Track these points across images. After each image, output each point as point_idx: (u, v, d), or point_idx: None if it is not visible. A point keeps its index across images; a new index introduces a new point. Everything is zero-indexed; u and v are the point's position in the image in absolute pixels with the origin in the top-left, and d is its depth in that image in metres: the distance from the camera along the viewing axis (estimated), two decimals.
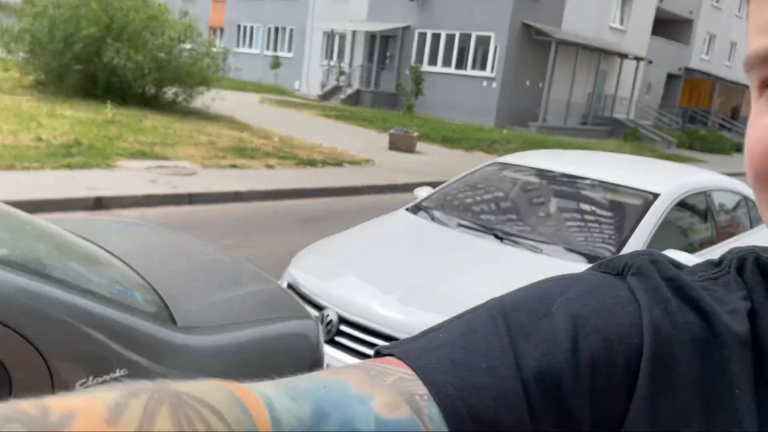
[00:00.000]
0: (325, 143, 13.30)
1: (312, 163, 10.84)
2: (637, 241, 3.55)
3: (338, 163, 11.23)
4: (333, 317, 3.09)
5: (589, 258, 3.48)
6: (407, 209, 4.36)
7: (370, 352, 2.94)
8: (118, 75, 13.81)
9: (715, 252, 4.10)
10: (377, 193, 9.74)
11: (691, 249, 3.94)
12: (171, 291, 1.68)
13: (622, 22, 29.50)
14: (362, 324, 3.02)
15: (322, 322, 3.12)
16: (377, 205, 9.03)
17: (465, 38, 24.91)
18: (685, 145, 27.54)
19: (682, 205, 4.02)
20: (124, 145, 9.58)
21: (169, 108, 15.03)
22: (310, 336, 1.86)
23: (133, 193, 7.14)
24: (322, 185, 9.19)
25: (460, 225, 3.94)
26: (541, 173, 4.41)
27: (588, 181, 4.15)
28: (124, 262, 1.79)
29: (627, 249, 3.50)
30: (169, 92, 15.33)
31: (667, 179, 4.17)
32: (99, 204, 6.78)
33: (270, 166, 10.03)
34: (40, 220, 1.86)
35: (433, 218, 4.10)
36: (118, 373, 1.30)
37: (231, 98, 19.89)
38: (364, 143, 14.61)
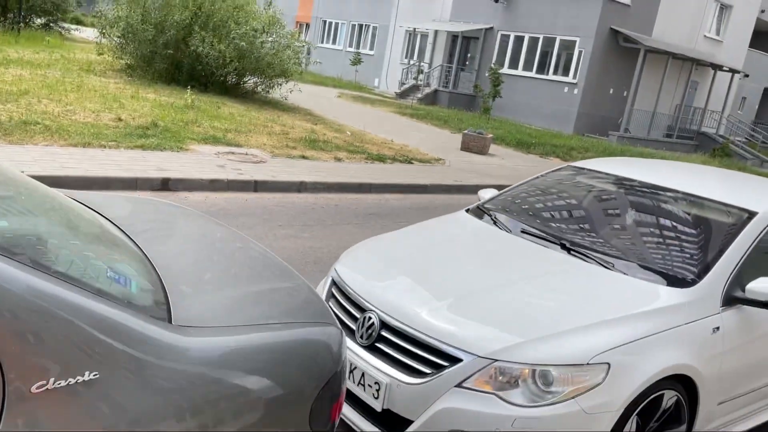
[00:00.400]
0: (397, 140, 13.12)
1: (381, 158, 10.67)
2: (727, 266, 3.15)
3: (407, 161, 11.02)
4: (375, 321, 2.87)
5: (668, 279, 3.12)
6: (468, 210, 4.09)
7: (412, 362, 2.70)
8: (201, 63, 14.10)
9: None
10: (444, 192, 9.46)
11: None
12: (178, 282, 1.50)
13: (718, 32, 27.87)
14: (404, 331, 2.78)
15: (362, 325, 2.91)
16: (443, 204, 8.78)
17: (549, 42, 24.15)
18: None
19: None
20: (198, 130, 9.71)
21: (248, 97, 15.24)
22: (331, 345, 1.65)
23: (200, 176, 7.17)
24: (388, 181, 9.00)
25: (524, 231, 3.64)
26: (620, 181, 4.03)
27: (672, 194, 3.75)
28: (135, 244, 1.63)
29: (714, 273, 3.11)
30: (249, 82, 15.55)
31: (765, 197, 3.71)
32: (166, 185, 6.83)
33: (339, 159, 9.93)
34: (57, 191, 1.73)
35: (495, 222, 3.81)
36: (87, 377, 1.13)
37: (310, 92, 20.04)
38: (436, 142, 14.34)
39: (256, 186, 7.50)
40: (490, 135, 14.53)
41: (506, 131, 18.31)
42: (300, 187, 7.86)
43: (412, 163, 10.98)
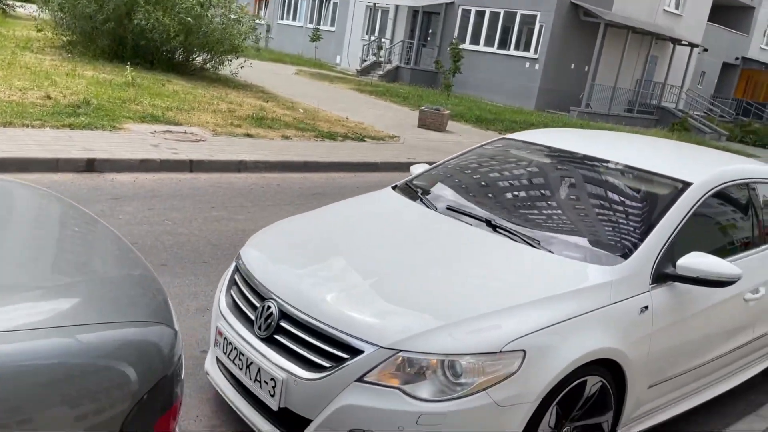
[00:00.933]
0: (352, 118, 12.78)
1: (332, 136, 10.33)
2: (657, 241, 2.94)
3: (360, 138, 10.70)
4: (274, 310, 2.60)
5: (595, 257, 2.90)
6: (394, 188, 3.82)
7: (311, 356, 2.43)
8: (146, 38, 13.48)
9: (755, 257, 3.45)
10: (396, 170, 9.18)
11: (725, 252, 3.31)
12: None
13: (677, 6, 27.94)
14: (303, 321, 2.51)
15: (261, 315, 2.63)
16: (393, 182, 8.49)
17: (510, 16, 23.89)
18: (737, 138, 26.09)
19: (720, 197, 3.38)
20: (136, 108, 9.23)
21: (197, 74, 14.69)
22: (161, 347, 1.36)
23: (129, 156, 6.76)
24: (337, 159, 8.69)
25: (450, 209, 3.39)
26: (553, 153, 3.80)
27: (605, 166, 3.54)
28: None
29: (643, 249, 2.90)
30: (198, 58, 14.98)
31: (703, 167, 3.52)
32: (91, 166, 6.42)
33: (286, 137, 9.57)
34: None
35: (420, 199, 3.55)
36: None
37: (266, 69, 19.49)
38: (393, 119, 14.03)
39: (192, 166, 7.12)
40: (448, 111, 14.26)
41: (466, 108, 18.08)
42: (240, 166, 7.50)
43: (364, 140, 10.67)
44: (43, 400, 1.14)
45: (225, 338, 2.74)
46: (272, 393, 2.47)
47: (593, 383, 2.62)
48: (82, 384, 1.21)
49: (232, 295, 2.91)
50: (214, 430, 2.83)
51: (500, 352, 2.34)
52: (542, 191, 3.56)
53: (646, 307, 2.77)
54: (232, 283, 2.99)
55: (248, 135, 9.14)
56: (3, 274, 1.36)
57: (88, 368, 1.22)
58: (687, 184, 3.21)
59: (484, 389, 2.29)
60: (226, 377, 2.82)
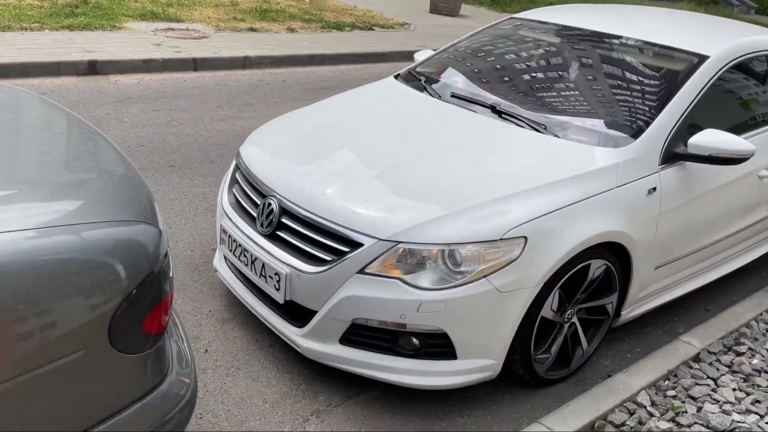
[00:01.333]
0: (360, 5, 12.23)
1: (339, 26, 9.95)
2: (669, 119, 2.83)
3: (368, 27, 10.30)
4: (275, 207, 2.58)
5: (604, 139, 2.80)
6: (397, 76, 3.68)
7: (313, 250, 2.44)
8: None
9: None
10: (405, 60, 8.88)
11: (741, 129, 3.17)
12: None
13: None
14: (304, 216, 2.50)
15: (262, 212, 2.62)
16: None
17: None
18: (766, 11, 24.64)
19: (738, 70, 3.21)
20: (135, 5, 8.92)
21: None
22: (146, 245, 1.35)
23: (132, 57, 6.60)
24: (344, 51, 8.41)
25: (454, 96, 3.27)
26: (562, 31, 3.61)
27: (618, 41, 3.35)
28: None
29: (653, 128, 2.80)
30: None
31: (722, 39, 3.31)
32: (93, 68, 6.29)
33: (292, 30, 9.24)
34: None
35: (424, 87, 3.43)
36: None
37: None
38: (403, 5, 13.42)
39: (196, 64, 6.95)
40: None
41: None
42: (244, 62, 7.30)
43: (373, 29, 10.27)
44: (20, 299, 1.15)
45: (229, 236, 2.76)
46: (277, 287, 2.51)
47: (597, 266, 2.62)
48: (65, 283, 1.21)
49: (234, 194, 2.90)
50: (225, 323, 2.92)
51: (501, 239, 2.32)
52: (550, 73, 3.40)
53: (654, 189, 2.71)
54: (234, 181, 2.97)
55: (252, 29, 8.83)
56: None
57: (69, 267, 1.22)
58: (703, 58, 3.03)
59: (484, 276, 2.29)
60: (234, 273, 2.87)
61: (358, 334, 2.41)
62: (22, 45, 6.49)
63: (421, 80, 3.53)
